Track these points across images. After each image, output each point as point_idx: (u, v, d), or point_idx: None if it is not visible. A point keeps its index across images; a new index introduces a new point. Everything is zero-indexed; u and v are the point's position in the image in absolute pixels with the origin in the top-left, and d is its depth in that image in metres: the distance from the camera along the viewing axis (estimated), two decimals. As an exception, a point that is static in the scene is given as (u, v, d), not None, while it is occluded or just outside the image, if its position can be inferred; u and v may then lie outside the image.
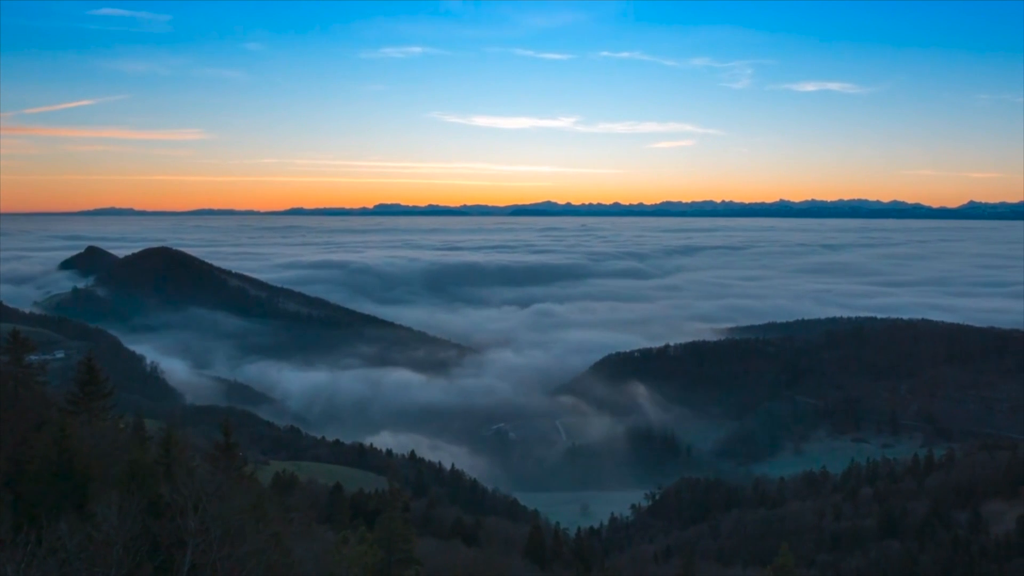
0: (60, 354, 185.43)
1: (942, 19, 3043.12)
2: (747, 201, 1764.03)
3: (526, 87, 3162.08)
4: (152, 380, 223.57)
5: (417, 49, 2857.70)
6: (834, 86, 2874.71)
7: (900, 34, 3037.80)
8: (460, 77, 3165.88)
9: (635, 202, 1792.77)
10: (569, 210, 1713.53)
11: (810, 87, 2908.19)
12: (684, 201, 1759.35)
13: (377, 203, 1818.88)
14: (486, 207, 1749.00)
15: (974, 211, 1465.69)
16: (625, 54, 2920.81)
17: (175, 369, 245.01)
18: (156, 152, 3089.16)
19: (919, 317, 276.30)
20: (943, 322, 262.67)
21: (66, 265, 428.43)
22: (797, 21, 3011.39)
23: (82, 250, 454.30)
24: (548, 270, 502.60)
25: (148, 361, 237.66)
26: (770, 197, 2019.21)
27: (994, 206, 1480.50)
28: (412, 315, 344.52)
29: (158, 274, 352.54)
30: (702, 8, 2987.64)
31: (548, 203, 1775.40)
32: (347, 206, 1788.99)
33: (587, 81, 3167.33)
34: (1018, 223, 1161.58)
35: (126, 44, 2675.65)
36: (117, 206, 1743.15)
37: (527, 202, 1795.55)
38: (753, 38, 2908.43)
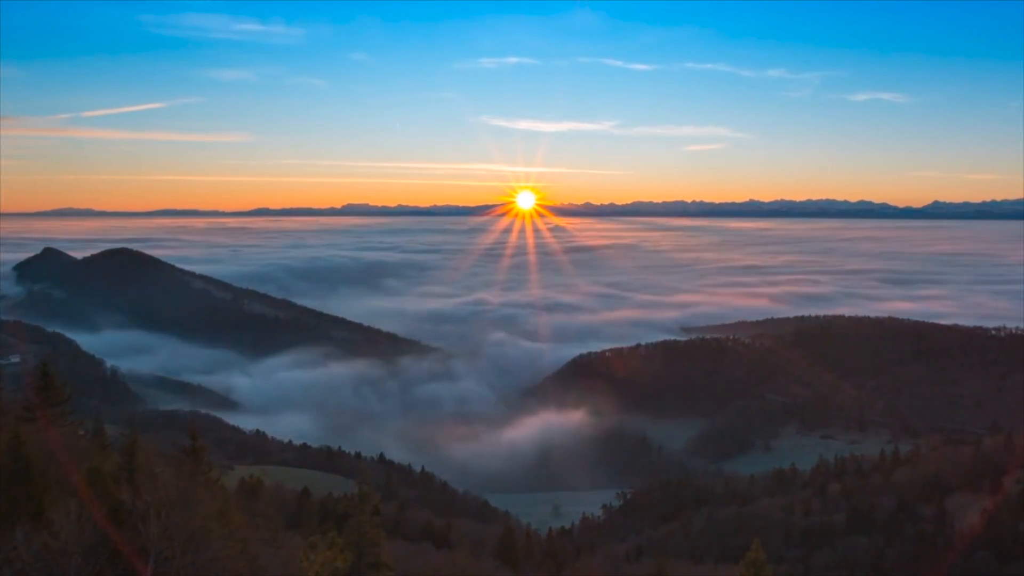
0: (15, 358, 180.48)
1: (928, 24, 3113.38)
2: (718, 201, 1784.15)
3: (587, 93, 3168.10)
4: (112, 384, 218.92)
5: (513, 59, 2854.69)
6: (886, 96, 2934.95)
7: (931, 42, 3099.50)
8: (533, 84, 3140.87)
9: (606, 202, 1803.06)
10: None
11: (861, 97, 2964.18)
12: (656, 201, 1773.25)
13: (345, 203, 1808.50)
14: (457, 207, 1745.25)
15: (938, 211, 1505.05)
16: (708, 65, 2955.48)
17: (136, 373, 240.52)
18: (172, 152, 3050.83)
19: (885, 315, 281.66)
20: (909, 320, 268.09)
21: (20, 267, 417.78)
22: (858, 33, 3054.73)
23: (38, 251, 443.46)
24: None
25: (108, 365, 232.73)
26: (740, 197, 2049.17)
27: (957, 205, 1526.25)
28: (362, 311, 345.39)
29: (118, 275, 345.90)
30: (788, 23, 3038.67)
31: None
32: (315, 206, 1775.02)
33: (650, 88, 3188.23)
34: (977, 222, 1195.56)
35: (238, 54, 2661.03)
36: (77, 206, 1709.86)
37: (495, 202, 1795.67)
38: (821, 52, 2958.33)
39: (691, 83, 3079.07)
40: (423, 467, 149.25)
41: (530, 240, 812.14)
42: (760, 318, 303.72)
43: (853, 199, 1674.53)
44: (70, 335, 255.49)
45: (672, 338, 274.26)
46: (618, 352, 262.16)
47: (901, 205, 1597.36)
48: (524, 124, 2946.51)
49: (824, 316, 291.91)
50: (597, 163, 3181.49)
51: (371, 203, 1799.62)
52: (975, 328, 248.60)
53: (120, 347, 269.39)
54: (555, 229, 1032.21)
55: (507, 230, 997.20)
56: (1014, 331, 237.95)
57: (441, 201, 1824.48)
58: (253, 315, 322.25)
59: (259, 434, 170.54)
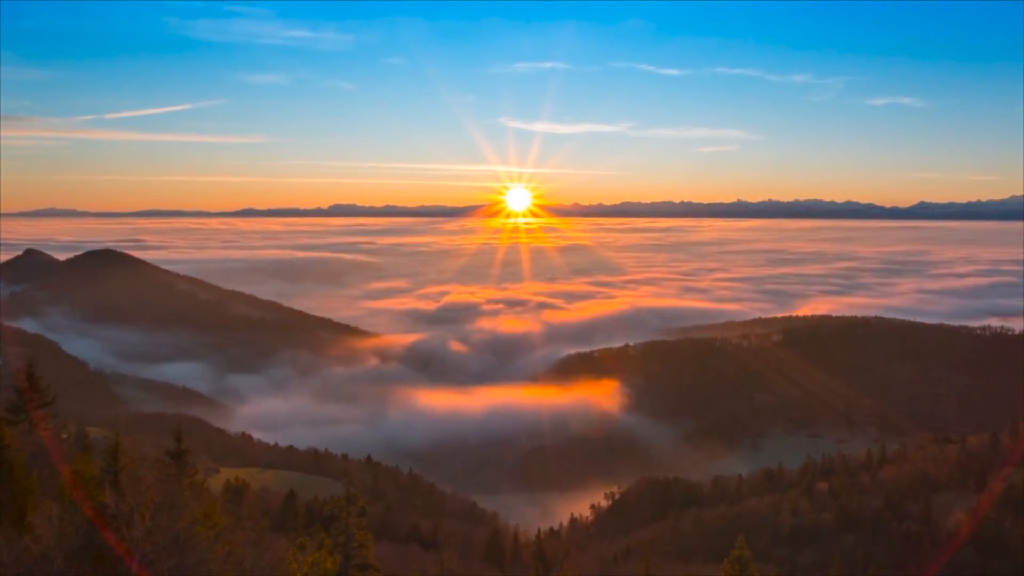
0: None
1: (956, 29, 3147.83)
2: (705, 201, 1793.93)
3: (611, 97, 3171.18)
4: (96, 387, 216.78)
5: (548, 64, 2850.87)
6: (906, 100, 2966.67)
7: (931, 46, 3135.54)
8: (561, 88, 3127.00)
9: (595, 203, 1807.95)
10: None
11: (880, 101, 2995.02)
12: (644, 201, 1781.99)
13: (332, 203, 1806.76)
14: (445, 207, 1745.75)
15: (924, 211, 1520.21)
16: (738, 70, 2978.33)
17: (120, 375, 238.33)
18: (182, 153, 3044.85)
19: (872, 315, 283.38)
20: (896, 320, 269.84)
21: (1, 268, 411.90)
22: (886, 38, 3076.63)
23: (20, 253, 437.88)
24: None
25: (91, 367, 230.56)
26: (729, 197, 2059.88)
27: (944, 205, 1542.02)
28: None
29: (101, 277, 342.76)
30: (820, 28, 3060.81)
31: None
32: (302, 206, 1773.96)
33: (676, 92, 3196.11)
34: (958, 223, 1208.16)
35: (278, 58, 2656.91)
36: (58, 207, 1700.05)
37: (484, 202, 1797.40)
38: (848, 57, 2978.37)
39: (717, 87, 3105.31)
40: (410, 468, 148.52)
41: (515, 239, 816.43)
42: (748, 318, 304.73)
43: (840, 199, 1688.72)
44: (53, 337, 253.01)
45: (660, 338, 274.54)
46: (607, 352, 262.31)
47: (888, 205, 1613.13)
48: (541, 126, 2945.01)
49: (811, 316, 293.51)
50: (602, 164, 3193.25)
51: (358, 203, 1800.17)
52: (960, 327, 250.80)
53: (104, 349, 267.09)
54: (544, 229, 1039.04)
55: (493, 230, 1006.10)
56: (999, 330, 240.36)
57: (430, 202, 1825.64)
58: (238, 316, 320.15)
59: (244, 436, 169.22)
